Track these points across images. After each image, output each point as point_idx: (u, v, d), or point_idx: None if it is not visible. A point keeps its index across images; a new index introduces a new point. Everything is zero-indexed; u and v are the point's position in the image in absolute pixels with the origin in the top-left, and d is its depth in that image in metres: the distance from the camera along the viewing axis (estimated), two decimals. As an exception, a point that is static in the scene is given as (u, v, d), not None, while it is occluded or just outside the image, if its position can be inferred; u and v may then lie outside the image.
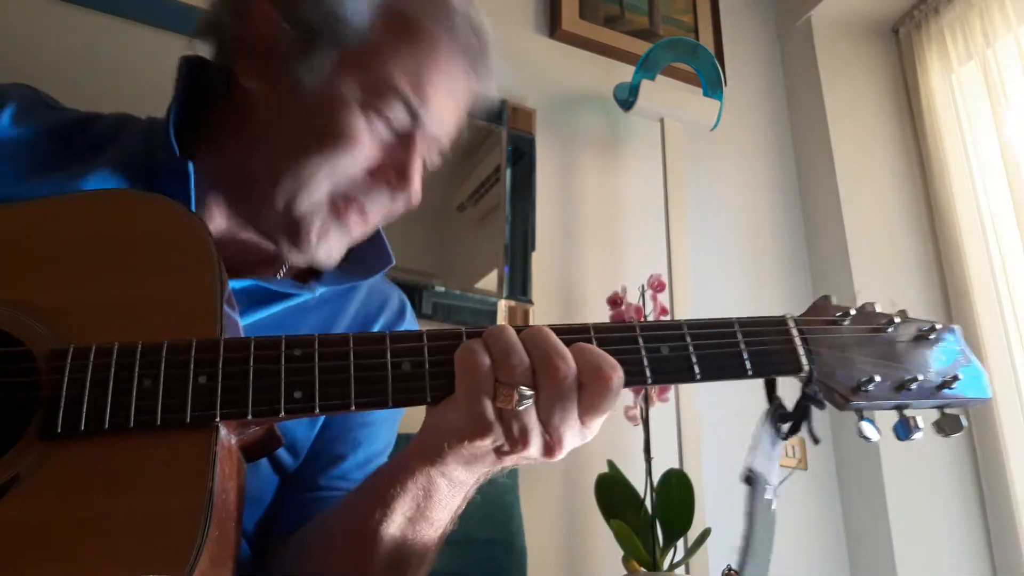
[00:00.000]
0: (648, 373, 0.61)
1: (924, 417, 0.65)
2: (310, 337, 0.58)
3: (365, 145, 0.76)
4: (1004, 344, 1.82)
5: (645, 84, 1.83)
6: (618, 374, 0.58)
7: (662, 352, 0.61)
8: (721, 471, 1.62)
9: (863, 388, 0.64)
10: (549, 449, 0.59)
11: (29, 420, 0.54)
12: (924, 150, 2.15)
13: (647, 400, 1.44)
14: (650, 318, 1.49)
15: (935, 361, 0.67)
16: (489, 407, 0.56)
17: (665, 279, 1.56)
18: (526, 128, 1.80)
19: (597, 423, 0.59)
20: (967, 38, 2.04)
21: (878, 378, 0.64)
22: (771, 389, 0.66)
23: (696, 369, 0.62)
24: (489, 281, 1.65)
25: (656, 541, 1.36)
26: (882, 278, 1.98)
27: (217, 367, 0.56)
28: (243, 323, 0.70)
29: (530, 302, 1.65)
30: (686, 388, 1.62)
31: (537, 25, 1.93)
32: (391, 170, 0.77)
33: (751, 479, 0.63)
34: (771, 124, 2.20)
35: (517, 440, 0.58)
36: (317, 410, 0.56)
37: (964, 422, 0.65)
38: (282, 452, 0.78)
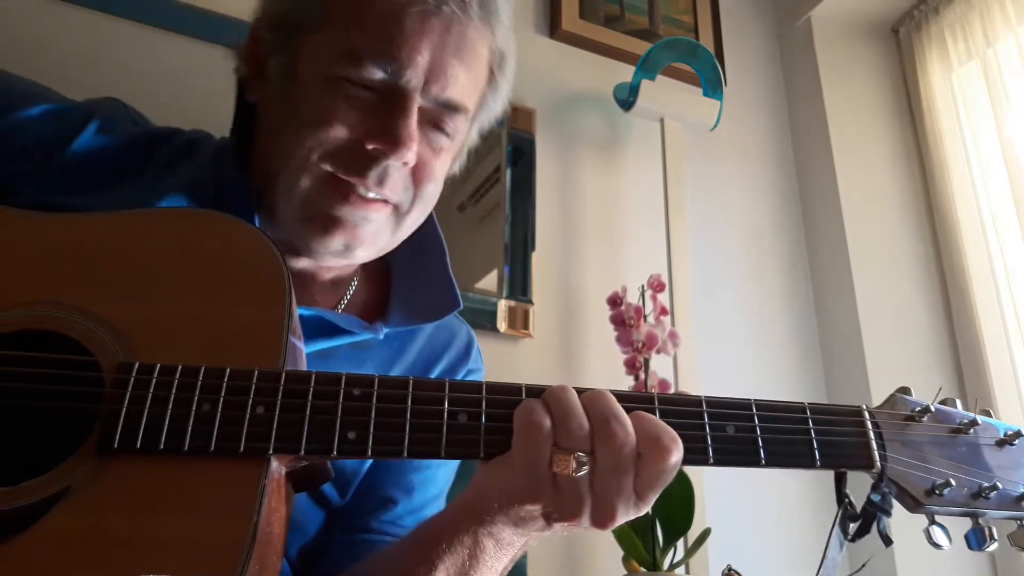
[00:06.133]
0: (711, 452, 0.59)
1: (999, 527, 0.62)
2: (370, 377, 0.58)
3: (344, 115, 0.72)
4: (1004, 344, 1.81)
5: (645, 84, 1.83)
6: (678, 448, 0.56)
7: (727, 431, 0.59)
8: (721, 471, 1.61)
9: (937, 491, 0.61)
10: (600, 521, 0.56)
11: (87, 430, 0.54)
12: (924, 150, 2.15)
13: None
14: (650, 318, 1.49)
15: (1018, 469, 0.63)
16: (546, 471, 0.55)
17: (665, 279, 1.56)
18: (526, 128, 1.80)
19: (652, 497, 0.57)
20: (967, 38, 2.04)
21: (954, 482, 0.61)
22: (840, 483, 0.63)
23: (762, 453, 0.59)
24: (489, 281, 1.64)
25: (656, 541, 1.36)
26: (882, 278, 1.98)
27: (276, 399, 0.56)
28: (306, 351, 0.68)
29: (530, 302, 1.65)
30: (686, 385, 1.61)
31: (537, 25, 1.93)
32: (380, 133, 0.72)
33: None
34: (771, 124, 2.20)
35: (569, 508, 0.56)
36: (369, 453, 0.56)
37: None
38: (327, 486, 0.76)
